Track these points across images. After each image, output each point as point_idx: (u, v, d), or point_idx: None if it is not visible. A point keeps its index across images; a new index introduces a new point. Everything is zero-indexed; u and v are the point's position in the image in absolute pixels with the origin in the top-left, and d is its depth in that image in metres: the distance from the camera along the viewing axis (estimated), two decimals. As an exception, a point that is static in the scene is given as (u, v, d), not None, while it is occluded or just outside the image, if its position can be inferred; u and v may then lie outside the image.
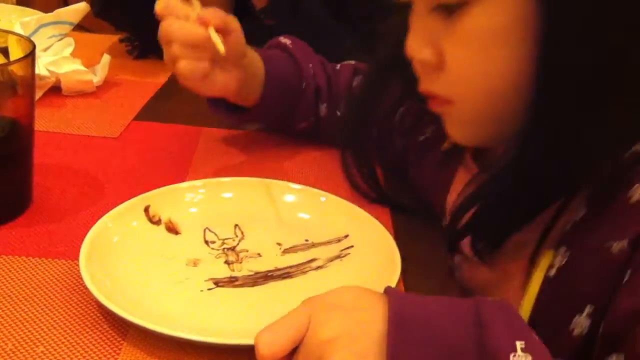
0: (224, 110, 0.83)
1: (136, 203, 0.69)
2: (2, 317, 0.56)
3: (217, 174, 0.78)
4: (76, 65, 0.97)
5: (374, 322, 0.47)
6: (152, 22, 1.11)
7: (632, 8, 0.50)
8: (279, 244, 0.68)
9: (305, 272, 0.65)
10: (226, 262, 0.65)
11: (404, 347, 0.46)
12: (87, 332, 0.56)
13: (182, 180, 0.76)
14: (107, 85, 1.02)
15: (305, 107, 0.86)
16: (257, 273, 0.64)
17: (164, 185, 0.73)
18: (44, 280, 0.61)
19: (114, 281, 0.60)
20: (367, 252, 0.67)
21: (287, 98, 0.84)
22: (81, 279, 0.61)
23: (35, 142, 0.71)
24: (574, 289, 0.55)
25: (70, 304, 0.59)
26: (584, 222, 0.55)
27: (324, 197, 0.73)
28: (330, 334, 0.47)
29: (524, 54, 0.53)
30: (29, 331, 0.55)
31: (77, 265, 0.63)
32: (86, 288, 0.59)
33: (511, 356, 0.44)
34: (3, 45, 0.71)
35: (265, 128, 0.89)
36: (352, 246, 0.68)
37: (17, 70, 0.66)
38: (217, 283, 0.62)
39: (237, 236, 0.69)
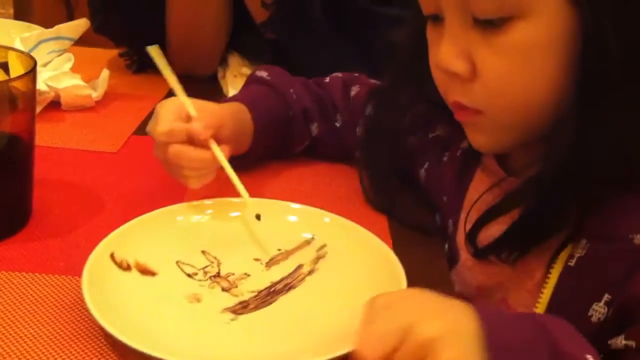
0: None
1: (101, 252, 0.62)
2: (2, 334, 0.56)
3: (217, 186, 0.78)
4: (75, 80, 0.98)
5: (468, 320, 0.48)
6: (150, 38, 1.12)
7: None
8: (257, 260, 0.68)
9: (302, 280, 0.65)
10: (223, 289, 0.64)
11: (500, 343, 0.48)
12: (86, 350, 0.56)
13: (182, 194, 0.76)
14: (106, 99, 1.02)
15: (299, 132, 0.87)
16: (259, 292, 0.64)
17: (164, 200, 0.73)
18: (42, 296, 0.61)
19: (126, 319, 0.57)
20: (345, 250, 0.69)
21: (279, 131, 0.85)
22: (80, 295, 0.61)
23: (35, 157, 0.71)
24: (593, 278, 0.57)
25: (69, 320, 0.58)
26: (607, 213, 0.56)
27: (297, 205, 0.74)
28: (435, 332, 0.47)
29: (564, 67, 0.54)
30: (29, 347, 0.55)
31: (77, 281, 0.63)
32: (86, 306, 0.59)
33: None
34: (3, 60, 0.72)
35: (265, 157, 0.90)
36: (324, 245, 0.69)
37: (19, 86, 0.66)
38: (235, 312, 0.61)
39: (213, 262, 0.67)
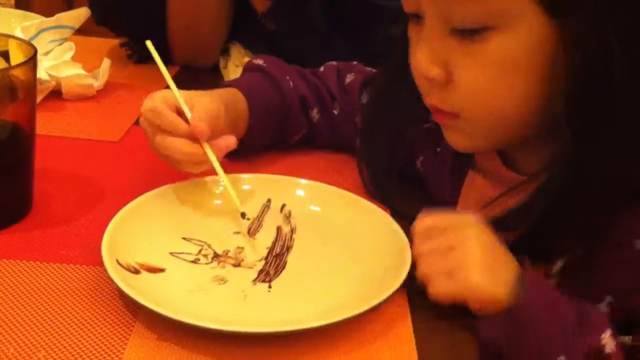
0: None
1: (108, 260, 0.60)
2: (3, 321, 0.56)
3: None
4: (77, 70, 0.97)
5: (511, 260, 0.55)
6: (151, 30, 1.12)
7: None
8: (237, 233, 0.70)
9: (292, 239, 0.70)
10: (234, 266, 0.65)
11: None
12: (89, 338, 0.56)
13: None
14: (107, 89, 1.02)
15: (295, 121, 0.87)
16: (265, 259, 0.66)
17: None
18: (44, 284, 0.61)
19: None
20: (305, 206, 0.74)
21: (275, 119, 0.84)
22: (83, 284, 0.61)
23: (36, 147, 0.71)
24: (593, 280, 0.57)
25: (72, 308, 0.58)
26: (610, 219, 0.56)
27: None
28: (475, 238, 0.55)
29: (543, 77, 0.53)
30: (31, 335, 0.55)
31: (78, 269, 0.63)
32: (89, 292, 0.60)
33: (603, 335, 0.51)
34: (4, 49, 0.71)
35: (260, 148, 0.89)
36: (284, 204, 0.74)
37: (19, 74, 0.66)
38: (264, 281, 0.63)
39: (202, 245, 0.68)
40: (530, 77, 0.55)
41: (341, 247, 0.69)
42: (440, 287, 0.56)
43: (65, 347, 0.54)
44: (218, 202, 0.73)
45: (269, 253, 0.67)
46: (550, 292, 0.56)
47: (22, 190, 0.70)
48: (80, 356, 0.54)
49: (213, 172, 0.71)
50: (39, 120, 0.89)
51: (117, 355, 0.54)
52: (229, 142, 0.72)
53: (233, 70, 1.10)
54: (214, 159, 0.70)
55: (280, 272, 0.65)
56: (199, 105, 0.71)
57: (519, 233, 0.60)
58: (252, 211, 0.73)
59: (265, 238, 0.70)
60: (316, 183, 0.75)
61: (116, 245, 0.62)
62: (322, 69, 0.90)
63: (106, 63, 1.01)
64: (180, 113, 0.71)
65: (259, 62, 0.88)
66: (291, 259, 0.67)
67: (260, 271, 0.65)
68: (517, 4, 0.51)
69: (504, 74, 0.56)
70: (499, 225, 0.59)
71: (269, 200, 0.75)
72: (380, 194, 0.77)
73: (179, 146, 0.69)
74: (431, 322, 0.60)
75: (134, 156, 0.85)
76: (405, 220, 0.74)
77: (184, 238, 0.68)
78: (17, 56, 0.70)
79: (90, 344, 0.55)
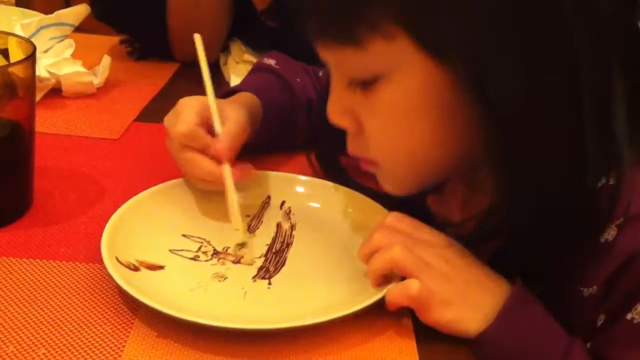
0: None
1: (108, 257, 0.60)
2: (3, 319, 0.56)
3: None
4: (77, 67, 0.97)
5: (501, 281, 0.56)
6: (152, 26, 1.12)
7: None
8: (237, 229, 0.69)
9: (292, 235, 0.70)
10: (234, 262, 0.65)
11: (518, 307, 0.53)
12: (88, 335, 0.56)
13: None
14: (107, 86, 1.02)
15: (302, 123, 0.86)
16: (265, 256, 0.66)
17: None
18: (44, 282, 0.61)
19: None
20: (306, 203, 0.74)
21: (285, 121, 0.84)
22: (82, 281, 0.61)
23: (36, 144, 0.71)
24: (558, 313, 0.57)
25: (72, 306, 0.58)
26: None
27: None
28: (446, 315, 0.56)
29: (441, 120, 0.53)
30: (30, 333, 0.55)
31: (78, 267, 0.63)
32: (88, 290, 0.60)
33: None
34: (3, 47, 0.71)
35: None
36: (284, 201, 0.74)
37: (18, 72, 0.66)
38: (264, 278, 0.63)
39: (202, 242, 0.68)
40: (431, 121, 0.55)
41: (341, 243, 0.69)
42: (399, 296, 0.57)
43: (65, 344, 0.54)
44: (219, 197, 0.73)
45: (268, 250, 0.67)
46: (526, 322, 0.56)
47: (21, 188, 0.70)
48: (80, 354, 0.54)
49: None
50: (39, 118, 0.89)
51: (117, 353, 0.54)
52: (249, 171, 0.71)
53: (233, 67, 1.10)
54: (230, 183, 0.68)
55: (280, 268, 0.65)
56: (230, 123, 0.70)
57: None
58: (252, 208, 0.73)
59: (265, 235, 0.70)
60: (316, 180, 0.75)
61: (116, 243, 0.62)
62: (320, 73, 0.89)
63: (106, 60, 1.01)
64: (210, 123, 0.70)
65: (271, 62, 0.87)
66: (291, 255, 0.67)
67: (260, 268, 0.65)
68: (401, 54, 0.51)
69: (402, 121, 0.56)
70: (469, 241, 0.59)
71: (268, 197, 0.75)
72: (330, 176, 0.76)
73: (205, 165, 0.68)
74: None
75: (133, 154, 0.85)
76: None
77: (183, 235, 0.68)
78: (16, 54, 0.70)
79: (90, 341, 0.55)
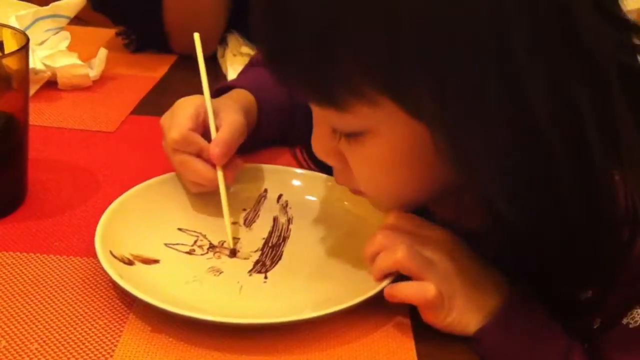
0: None
1: (101, 252, 0.59)
2: (-3, 314, 0.56)
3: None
4: (72, 60, 0.96)
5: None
6: (149, 17, 1.11)
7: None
8: (234, 223, 0.69)
9: (288, 229, 0.69)
10: (230, 256, 0.65)
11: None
12: (82, 330, 0.55)
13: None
14: (103, 79, 1.01)
15: (299, 120, 0.85)
16: (262, 250, 0.66)
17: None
18: (38, 276, 0.60)
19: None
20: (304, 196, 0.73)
21: (280, 118, 0.83)
22: (76, 275, 0.61)
23: (31, 137, 0.70)
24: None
25: (65, 300, 0.58)
26: None
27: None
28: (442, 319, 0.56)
29: (426, 167, 0.53)
30: (23, 328, 0.54)
31: (72, 260, 0.62)
32: (82, 284, 0.60)
33: None
34: (-2, 38, 0.71)
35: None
36: (281, 195, 0.73)
37: (11, 64, 0.65)
38: (260, 272, 0.63)
39: (198, 236, 0.67)
40: (414, 169, 0.55)
41: (338, 237, 0.68)
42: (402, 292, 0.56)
43: (58, 339, 0.54)
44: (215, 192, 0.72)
45: (265, 244, 0.67)
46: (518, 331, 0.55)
47: (15, 181, 0.70)
48: (74, 348, 0.53)
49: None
50: (35, 110, 0.89)
51: (110, 348, 0.53)
52: (238, 165, 0.71)
53: (230, 59, 1.09)
54: (222, 187, 0.68)
55: (277, 262, 0.64)
56: (225, 128, 0.69)
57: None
58: (249, 201, 0.73)
59: (261, 228, 0.69)
60: (312, 173, 0.74)
61: (110, 237, 0.62)
62: None
63: (102, 53, 1.00)
64: (206, 125, 0.70)
65: None
66: (287, 249, 0.66)
67: (256, 262, 0.64)
68: (385, 116, 0.51)
69: (385, 170, 0.56)
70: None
71: (265, 190, 0.74)
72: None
73: (198, 169, 0.68)
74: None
75: (129, 146, 0.84)
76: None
77: (179, 229, 0.67)
78: (11, 46, 0.69)
79: (83, 336, 0.54)
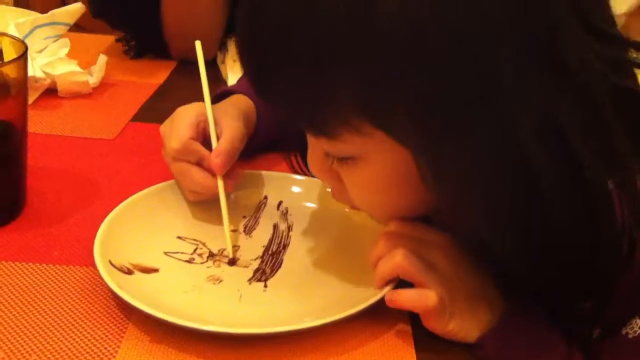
0: None
1: (100, 261, 0.59)
2: (-5, 324, 0.55)
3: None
4: (72, 67, 0.96)
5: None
6: (149, 22, 1.11)
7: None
8: (234, 230, 0.69)
9: (289, 237, 0.69)
10: (230, 265, 0.64)
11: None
12: (81, 340, 0.55)
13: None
14: (103, 86, 1.00)
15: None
16: (262, 258, 0.66)
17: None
18: (37, 286, 0.60)
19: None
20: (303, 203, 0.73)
21: (279, 124, 0.82)
22: (75, 284, 0.60)
23: (31, 145, 0.70)
24: None
25: (64, 310, 0.57)
26: None
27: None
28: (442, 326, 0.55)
29: (416, 187, 0.52)
30: (22, 339, 0.54)
31: (71, 270, 0.62)
32: (81, 293, 0.59)
33: None
34: (-3, 46, 0.70)
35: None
36: (281, 202, 0.73)
37: (10, 72, 0.65)
38: (260, 280, 0.63)
39: (197, 244, 0.67)
40: (406, 190, 0.55)
41: (338, 244, 0.68)
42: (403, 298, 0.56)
43: (56, 349, 0.53)
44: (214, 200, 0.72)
45: (265, 251, 0.66)
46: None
47: (13, 189, 0.69)
48: (72, 359, 0.53)
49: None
50: (35, 118, 0.88)
51: (109, 358, 0.53)
52: (238, 174, 0.71)
53: (231, 65, 1.08)
54: (222, 196, 0.68)
55: (277, 270, 0.64)
56: (225, 137, 0.69)
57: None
58: (249, 208, 0.73)
59: (260, 236, 0.69)
60: (311, 179, 0.73)
61: (109, 246, 0.61)
62: None
63: (102, 59, 1.00)
64: (207, 133, 0.70)
65: None
66: (287, 257, 0.66)
67: (256, 270, 0.64)
68: (375, 143, 0.51)
69: (379, 192, 0.57)
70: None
71: (265, 197, 0.74)
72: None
73: (197, 177, 0.68)
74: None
75: (129, 154, 0.84)
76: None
77: (178, 237, 0.67)
78: (10, 54, 0.69)
79: (82, 346, 0.54)
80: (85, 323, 0.56)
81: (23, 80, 0.67)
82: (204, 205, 0.70)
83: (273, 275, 0.63)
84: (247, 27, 0.50)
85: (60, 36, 1.00)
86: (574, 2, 0.47)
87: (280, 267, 0.64)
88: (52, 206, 0.72)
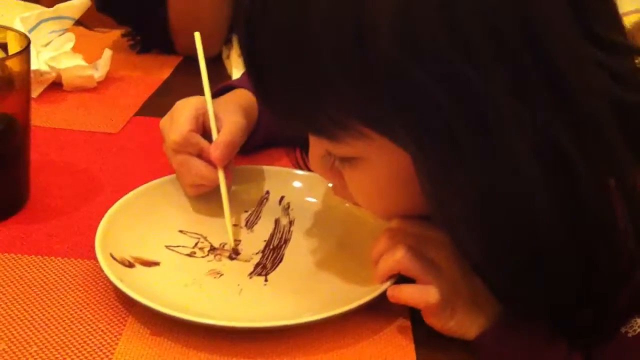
0: None
1: (102, 254, 0.59)
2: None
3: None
4: (77, 61, 0.97)
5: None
6: (154, 17, 1.11)
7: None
8: (235, 225, 0.69)
9: (290, 231, 0.69)
10: (231, 259, 0.65)
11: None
12: (81, 332, 0.55)
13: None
14: (108, 80, 1.01)
15: None
16: (263, 252, 0.66)
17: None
18: (39, 278, 0.60)
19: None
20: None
21: None
22: (77, 277, 0.61)
23: (35, 138, 0.71)
24: None
25: (65, 302, 0.58)
26: None
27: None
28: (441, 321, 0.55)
29: (416, 189, 0.52)
30: (22, 330, 0.55)
31: (74, 263, 0.62)
32: (83, 286, 0.60)
33: None
34: (2, 41, 0.71)
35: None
36: (283, 197, 0.73)
37: (13, 65, 0.65)
38: (260, 274, 0.63)
39: (199, 238, 0.67)
40: (407, 190, 0.54)
41: (339, 239, 0.68)
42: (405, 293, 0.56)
43: (57, 341, 0.54)
44: (215, 194, 0.72)
45: (266, 246, 0.67)
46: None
47: (16, 182, 0.70)
48: (72, 351, 0.53)
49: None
50: (39, 112, 0.89)
51: (109, 350, 0.53)
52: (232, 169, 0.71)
53: (236, 60, 1.08)
54: (224, 188, 0.68)
55: (277, 265, 0.64)
56: (225, 130, 0.69)
57: None
58: (251, 203, 0.73)
59: (262, 230, 0.69)
60: (313, 174, 0.73)
61: (110, 239, 0.62)
62: None
63: (107, 54, 1.01)
64: (206, 126, 0.70)
65: None
66: (288, 251, 0.66)
67: (257, 264, 0.64)
68: (374, 145, 0.51)
69: (380, 192, 0.57)
70: None
71: (267, 192, 0.74)
72: None
73: (198, 168, 0.68)
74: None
75: (133, 148, 0.84)
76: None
77: (180, 231, 0.67)
78: (14, 48, 0.70)
79: (82, 338, 0.54)
80: (86, 315, 0.57)
81: (26, 74, 0.67)
82: (206, 199, 0.70)
83: (274, 269, 0.63)
84: (246, 33, 0.50)
85: (65, 30, 1.00)
86: (576, 9, 0.46)
87: (281, 261, 0.64)
88: (55, 199, 0.72)
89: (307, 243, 0.67)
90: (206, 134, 0.70)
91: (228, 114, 0.71)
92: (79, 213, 0.70)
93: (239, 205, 0.71)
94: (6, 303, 0.57)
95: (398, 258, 0.56)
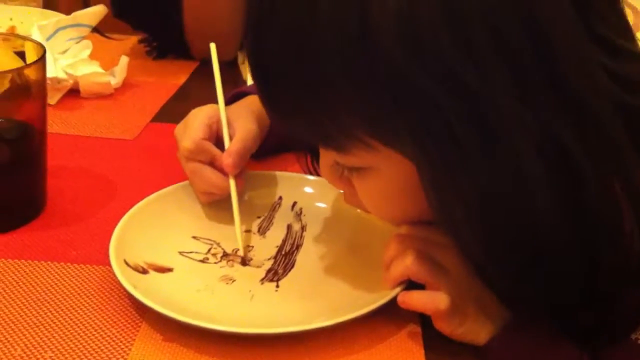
0: None
1: (116, 261, 0.60)
2: (12, 322, 0.57)
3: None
4: (94, 68, 0.98)
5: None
6: (170, 22, 1.12)
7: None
8: (247, 231, 0.70)
9: (302, 237, 0.70)
10: (243, 265, 0.65)
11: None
12: (95, 338, 0.56)
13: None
14: (125, 87, 1.02)
15: None
16: (275, 258, 0.66)
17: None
18: (54, 284, 0.61)
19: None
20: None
21: None
22: (92, 283, 0.62)
23: (52, 145, 0.72)
24: None
25: (80, 308, 0.59)
26: None
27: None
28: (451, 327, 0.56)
29: (421, 196, 0.52)
30: (38, 336, 0.55)
31: (90, 269, 0.63)
32: (97, 292, 0.60)
33: None
34: (20, 49, 0.72)
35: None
36: (295, 202, 0.74)
37: (30, 74, 0.66)
38: (272, 280, 0.63)
39: (212, 244, 0.68)
40: (416, 198, 0.54)
41: (350, 245, 0.68)
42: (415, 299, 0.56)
43: (71, 347, 0.55)
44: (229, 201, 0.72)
45: (278, 252, 0.67)
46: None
47: (34, 189, 0.71)
48: (86, 356, 0.54)
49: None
50: (57, 118, 0.90)
51: (122, 356, 0.54)
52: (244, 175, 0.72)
53: (251, 65, 1.09)
54: (234, 196, 0.68)
55: (289, 271, 0.64)
56: (238, 138, 0.70)
57: None
58: (264, 208, 0.73)
59: (274, 236, 0.69)
60: (324, 180, 0.73)
61: (124, 245, 0.62)
62: None
63: (124, 60, 1.02)
64: (220, 134, 0.71)
65: None
66: (300, 257, 0.66)
67: (269, 270, 0.64)
68: (382, 155, 0.52)
69: (389, 201, 0.57)
70: None
71: (280, 198, 0.74)
72: None
73: (210, 177, 0.69)
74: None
75: (149, 154, 0.85)
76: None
77: (193, 237, 0.68)
78: (32, 57, 0.71)
79: (96, 344, 0.55)
80: (100, 321, 0.57)
81: (42, 82, 0.68)
82: (219, 206, 0.71)
83: (285, 275, 0.64)
84: (254, 34, 0.51)
85: (82, 38, 1.02)
86: (579, 10, 0.46)
87: (292, 267, 0.65)
88: (72, 206, 0.73)
89: (319, 248, 0.68)
90: (219, 141, 0.70)
91: (241, 121, 0.72)
92: (94, 219, 0.71)
93: (251, 211, 0.72)
94: (22, 309, 0.58)
95: (408, 264, 0.56)
